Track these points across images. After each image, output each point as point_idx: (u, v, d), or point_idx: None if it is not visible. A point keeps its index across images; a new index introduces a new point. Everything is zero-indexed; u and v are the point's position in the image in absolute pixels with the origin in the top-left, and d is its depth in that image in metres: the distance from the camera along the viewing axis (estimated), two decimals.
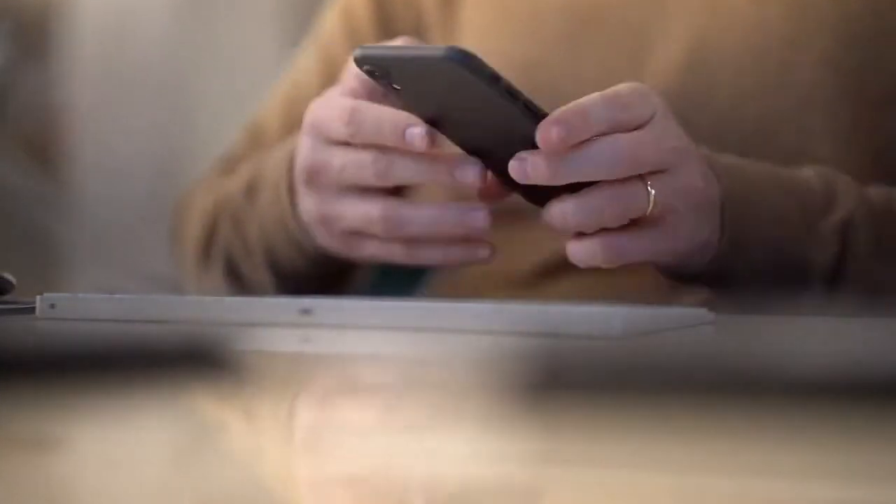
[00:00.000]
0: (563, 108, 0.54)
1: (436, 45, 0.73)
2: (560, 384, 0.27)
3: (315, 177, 0.62)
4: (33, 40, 2.70)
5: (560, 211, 0.55)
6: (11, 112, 2.71)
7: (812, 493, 0.21)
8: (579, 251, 0.56)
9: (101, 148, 2.65)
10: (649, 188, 0.56)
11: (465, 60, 0.52)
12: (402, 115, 0.58)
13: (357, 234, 0.62)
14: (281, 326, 0.52)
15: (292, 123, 0.93)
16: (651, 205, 0.56)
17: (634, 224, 0.57)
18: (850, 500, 0.21)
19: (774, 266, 0.61)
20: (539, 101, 0.54)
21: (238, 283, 0.77)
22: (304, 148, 0.62)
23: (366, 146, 0.59)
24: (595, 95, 0.56)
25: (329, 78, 0.92)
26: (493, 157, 0.57)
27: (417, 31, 0.89)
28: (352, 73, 0.60)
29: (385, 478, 0.23)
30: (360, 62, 0.56)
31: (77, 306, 0.55)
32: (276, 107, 0.96)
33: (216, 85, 2.64)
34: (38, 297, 0.55)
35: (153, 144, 2.63)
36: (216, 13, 2.65)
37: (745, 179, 0.62)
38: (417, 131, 0.57)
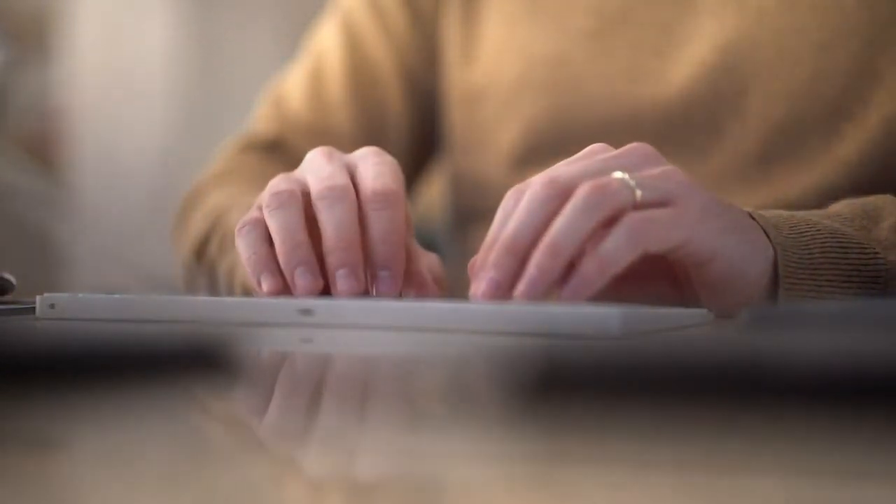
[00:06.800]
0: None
1: None
2: (560, 384, 0.27)
3: None
4: (33, 40, 2.70)
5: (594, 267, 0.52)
6: (11, 112, 2.71)
7: (813, 493, 0.22)
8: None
9: (101, 148, 2.65)
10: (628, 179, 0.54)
11: None
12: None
13: None
14: (281, 326, 0.52)
15: (316, 95, 0.94)
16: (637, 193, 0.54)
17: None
18: (851, 499, 0.21)
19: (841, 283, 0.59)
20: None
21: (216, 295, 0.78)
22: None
23: None
24: None
25: (352, 49, 0.93)
26: None
27: (437, 13, 0.89)
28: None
29: (384, 478, 0.23)
30: None
31: (77, 306, 0.55)
32: (300, 80, 0.96)
33: (217, 85, 2.64)
34: (38, 297, 0.55)
35: (153, 144, 2.63)
36: (218, 13, 2.65)
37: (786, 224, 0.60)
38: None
